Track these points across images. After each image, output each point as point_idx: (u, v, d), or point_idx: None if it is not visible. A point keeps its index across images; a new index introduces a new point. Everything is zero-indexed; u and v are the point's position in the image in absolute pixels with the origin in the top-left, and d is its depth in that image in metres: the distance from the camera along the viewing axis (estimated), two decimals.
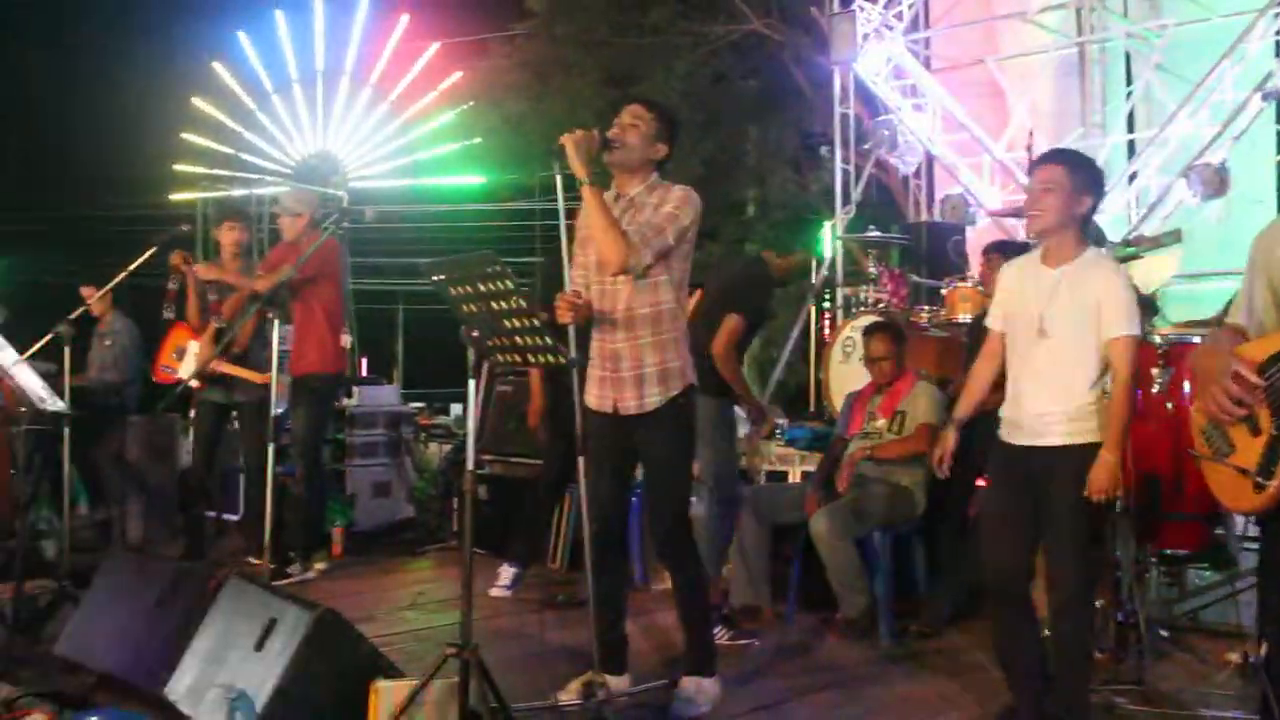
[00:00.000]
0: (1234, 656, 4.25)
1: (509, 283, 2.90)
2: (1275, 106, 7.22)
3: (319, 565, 5.96)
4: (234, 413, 6.22)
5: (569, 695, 3.68)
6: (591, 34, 11.96)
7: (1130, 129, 8.40)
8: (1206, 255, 6.82)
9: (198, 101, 18.17)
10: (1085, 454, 3.38)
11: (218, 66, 17.91)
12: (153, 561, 4.04)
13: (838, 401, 6.19)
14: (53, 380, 6.18)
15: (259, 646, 3.09)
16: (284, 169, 18.33)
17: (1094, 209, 3.51)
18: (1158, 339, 4.34)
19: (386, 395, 8.14)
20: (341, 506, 7.21)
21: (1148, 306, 4.31)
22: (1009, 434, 3.52)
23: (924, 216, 8.94)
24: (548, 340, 3.01)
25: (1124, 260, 4.48)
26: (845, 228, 8.57)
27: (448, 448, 8.15)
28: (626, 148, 3.67)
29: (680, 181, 3.79)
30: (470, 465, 3.10)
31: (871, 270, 6.82)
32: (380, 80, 17.52)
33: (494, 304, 2.95)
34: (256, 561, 5.87)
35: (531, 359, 3.09)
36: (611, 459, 3.78)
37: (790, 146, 12.12)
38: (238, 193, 18.33)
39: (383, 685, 2.91)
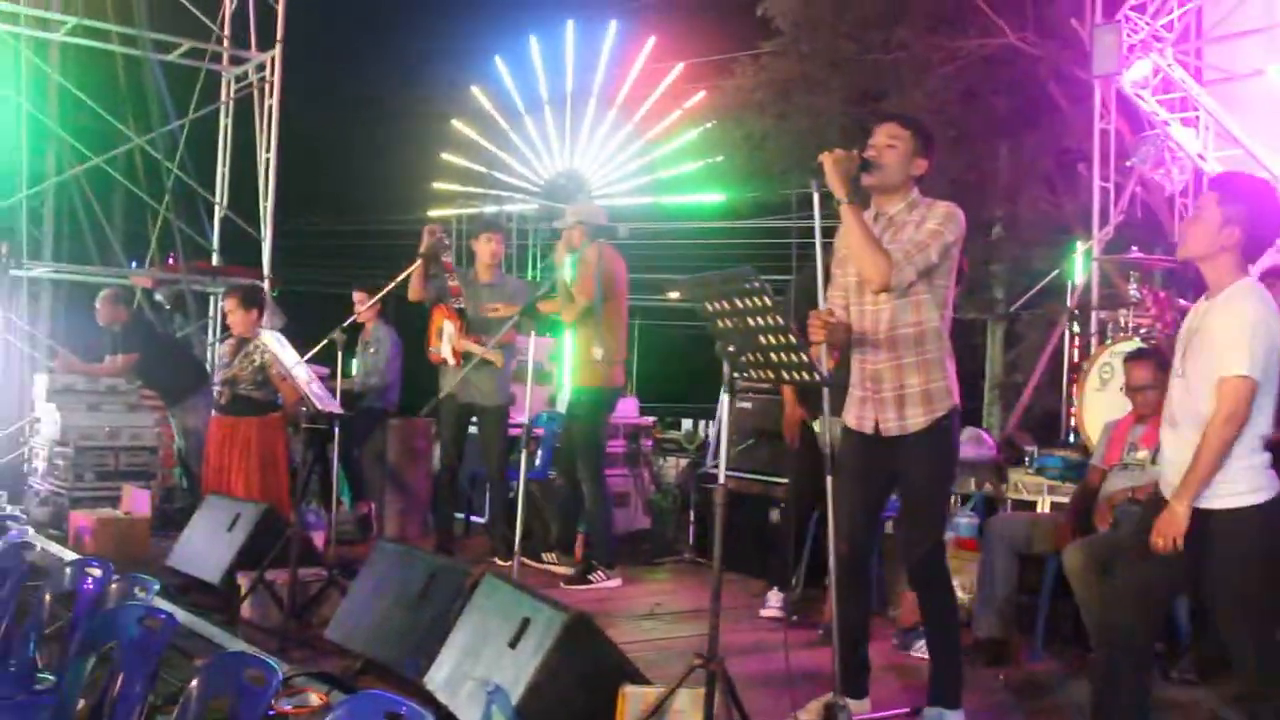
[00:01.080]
0: None
1: (767, 299, 2.91)
2: None
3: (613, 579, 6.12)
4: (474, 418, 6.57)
5: (810, 715, 3.65)
6: (838, 51, 11.86)
7: None
8: None
9: (457, 123, 19.16)
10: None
11: (476, 90, 18.83)
12: (415, 555, 4.25)
13: (1091, 429, 5.90)
14: (325, 383, 6.68)
15: (513, 644, 3.22)
16: (533, 187, 19.08)
17: (1254, 242, 3.09)
18: None
19: (626, 408, 8.32)
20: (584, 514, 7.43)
21: None
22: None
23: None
24: (804, 358, 3.00)
25: None
26: (1103, 249, 8.17)
27: (683, 461, 8.25)
28: (885, 168, 3.64)
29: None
30: (722, 478, 3.12)
31: (1133, 293, 6.47)
32: (626, 101, 18.01)
33: (750, 320, 2.98)
34: (503, 562, 6.12)
35: (785, 376, 3.09)
36: (866, 481, 3.74)
37: (1044, 164, 11.64)
38: (489, 209, 19.17)
39: (631, 690, 2.97)
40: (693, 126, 16.37)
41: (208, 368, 8.48)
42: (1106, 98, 8.59)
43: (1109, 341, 6.41)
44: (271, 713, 3.17)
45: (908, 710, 3.83)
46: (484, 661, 3.28)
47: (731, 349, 3.02)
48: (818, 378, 3.08)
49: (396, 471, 7.66)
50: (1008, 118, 11.68)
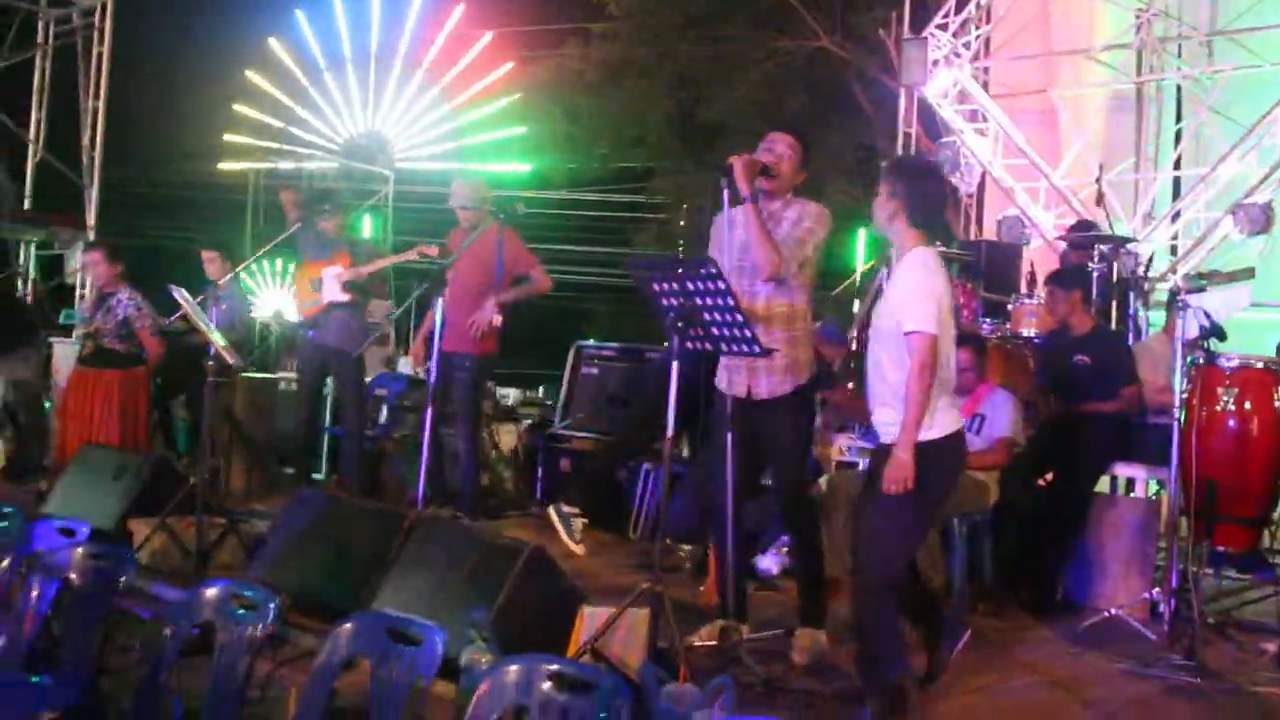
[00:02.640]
0: (1270, 646, 4.83)
1: (723, 284, 3.45)
2: None
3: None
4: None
5: (705, 638, 4.24)
6: (667, 39, 12.47)
7: (1176, 165, 8.94)
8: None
9: (251, 74, 18.69)
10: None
11: (274, 42, 18.43)
12: (343, 501, 4.57)
13: None
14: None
15: (471, 577, 3.64)
16: (332, 145, 18.87)
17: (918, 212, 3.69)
18: (1225, 363, 4.90)
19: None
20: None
21: (1218, 333, 4.86)
22: None
23: (973, 235, 9.48)
24: (748, 333, 3.56)
25: (1192, 292, 5.01)
26: None
27: (525, 424, 8.71)
28: (782, 175, 4.24)
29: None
30: (669, 439, 3.63)
31: None
32: (433, 65, 18.05)
33: (698, 300, 3.50)
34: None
35: (725, 347, 3.65)
36: (743, 439, 4.33)
37: (848, 158, 12.67)
38: (285, 165, 18.86)
39: (589, 610, 3.46)
40: (503, 95, 16.66)
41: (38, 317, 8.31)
42: (910, 105, 9.56)
43: None
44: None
45: (784, 631, 4.45)
46: (444, 592, 3.69)
47: (680, 324, 3.55)
48: (757, 349, 3.64)
49: (244, 427, 7.77)
50: (815, 114, 12.62)
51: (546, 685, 2.78)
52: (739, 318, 3.53)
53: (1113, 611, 5.12)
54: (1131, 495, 5.90)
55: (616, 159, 13.34)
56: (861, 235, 10.19)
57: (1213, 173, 8.05)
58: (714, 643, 4.21)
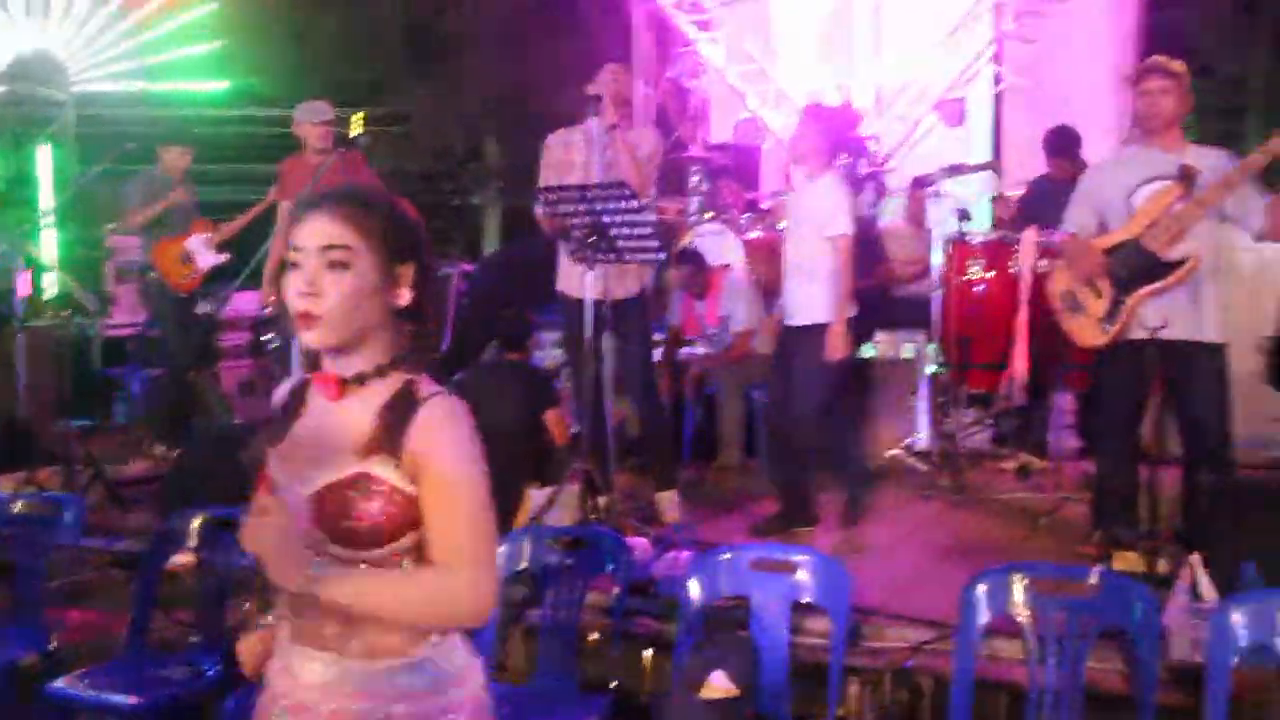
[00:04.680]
0: (1008, 465, 6.06)
1: (635, 202, 4.06)
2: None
3: None
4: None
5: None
6: None
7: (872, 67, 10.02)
8: None
9: None
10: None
11: None
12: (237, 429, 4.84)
13: None
14: None
15: None
16: None
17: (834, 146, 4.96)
18: (972, 239, 5.97)
19: (250, 302, 8.75)
20: (220, 401, 7.92)
21: (966, 216, 5.91)
22: None
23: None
24: (655, 242, 4.20)
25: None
26: None
27: None
28: (626, 103, 4.88)
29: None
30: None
31: (702, 184, 8.17)
32: None
33: (605, 218, 4.10)
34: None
35: (627, 257, 4.27)
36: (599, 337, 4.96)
37: (579, 69, 13.05)
38: None
39: (533, 490, 4.04)
40: (198, 5, 15.85)
41: None
42: (642, 15, 10.21)
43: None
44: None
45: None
46: None
47: (593, 239, 4.14)
48: (662, 254, 4.32)
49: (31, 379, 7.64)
50: (546, 25, 13.00)
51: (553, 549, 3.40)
52: (649, 230, 4.15)
53: (890, 453, 6.22)
54: (890, 357, 6.99)
55: (344, 77, 13.26)
56: None
57: (914, 73, 9.23)
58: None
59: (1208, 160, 4.12)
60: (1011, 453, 6.12)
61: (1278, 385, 5.46)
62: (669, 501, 4.96)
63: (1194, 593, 3.09)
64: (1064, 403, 6.25)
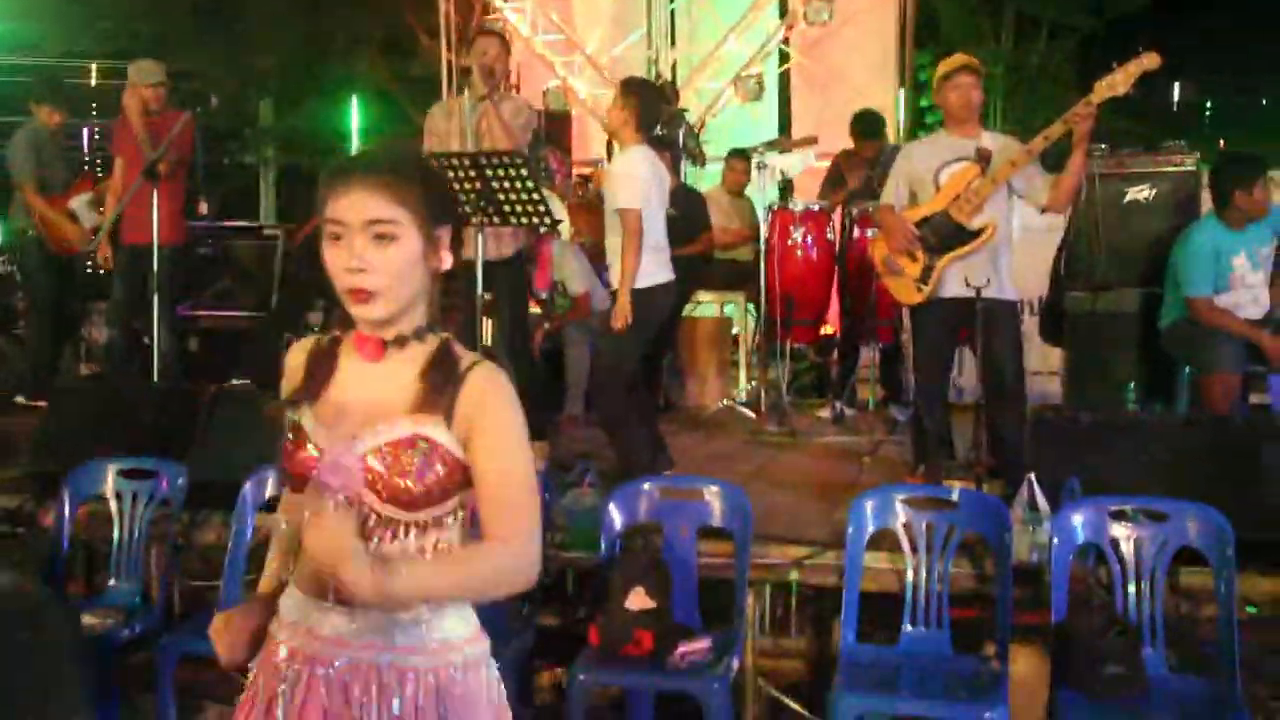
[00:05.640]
0: (825, 413, 6.73)
1: (525, 170, 4.35)
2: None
3: None
4: None
5: None
6: None
7: (673, 42, 10.52)
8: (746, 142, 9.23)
9: None
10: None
11: None
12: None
13: None
14: None
15: None
16: None
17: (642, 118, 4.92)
18: (793, 207, 6.57)
19: None
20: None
21: (789, 186, 6.50)
22: None
23: None
24: (543, 206, 4.50)
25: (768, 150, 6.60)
26: None
27: None
28: (497, 74, 5.15)
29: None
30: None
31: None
32: None
33: (494, 185, 4.37)
34: None
35: (514, 220, 4.55)
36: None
37: (383, 34, 12.97)
38: None
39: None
40: None
41: None
42: None
43: None
44: None
45: None
46: None
47: (485, 205, 4.42)
48: (549, 219, 4.61)
49: None
50: None
51: None
52: (537, 195, 4.46)
53: (724, 402, 6.78)
54: (713, 316, 7.54)
55: (126, 25, 12.64)
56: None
57: (713, 49, 9.81)
58: None
59: (999, 143, 4.80)
60: (827, 400, 6.80)
61: (1048, 339, 6.30)
62: (539, 451, 5.30)
63: (1029, 505, 3.73)
64: (870, 356, 6.97)
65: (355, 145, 15.02)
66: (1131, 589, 3.31)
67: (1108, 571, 3.40)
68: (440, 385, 1.82)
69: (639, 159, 4.80)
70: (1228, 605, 3.19)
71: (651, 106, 4.94)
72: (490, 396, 1.84)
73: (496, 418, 1.84)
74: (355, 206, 1.79)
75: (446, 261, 1.88)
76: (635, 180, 4.71)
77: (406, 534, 1.85)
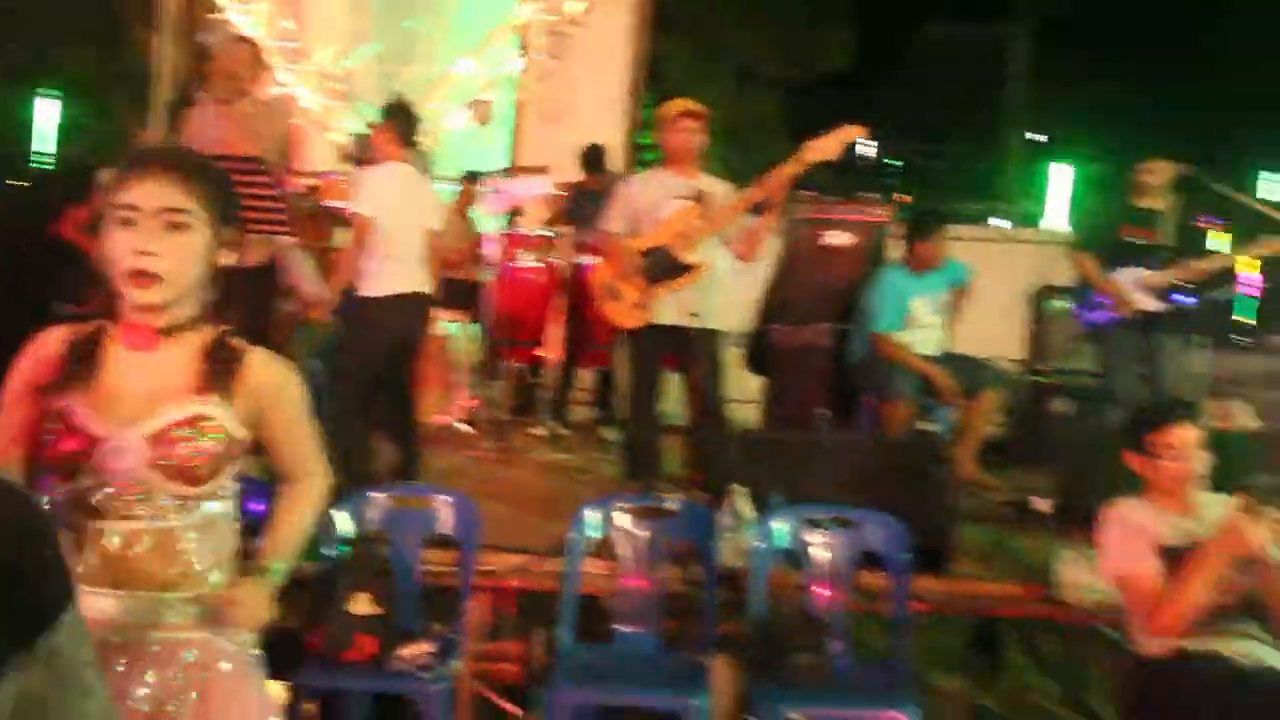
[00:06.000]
0: (540, 431, 6.94)
1: (269, 177, 4.29)
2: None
3: None
4: None
5: None
6: None
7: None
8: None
9: None
10: None
11: None
12: None
13: None
14: None
15: None
16: None
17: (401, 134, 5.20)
18: (522, 231, 6.76)
19: None
20: None
21: (517, 210, 6.69)
22: None
23: None
24: (284, 216, 4.45)
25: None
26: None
27: None
28: (232, 77, 5.10)
29: None
30: None
31: None
32: None
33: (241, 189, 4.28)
34: None
35: (254, 229, 4.48)
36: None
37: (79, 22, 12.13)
38: None
39: None
40: None
41: None
42: None
43: None
44: None
45: None
46: None
47: None
48: (289, 229, 4.56)
49: None
50: None
51: None
52: (279, 204, 4.42)
53: (439, 419, 6.85)
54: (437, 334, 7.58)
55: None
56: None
57: (444, 70, 9.91)
58: None
59: (716, 188, 5.16)
60: (542, 420, 7.00)
61: (752, 369, 6.77)
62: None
63: (735, 515, 4.05)
64: (586, 379, 7.24)
65: (47, 142, 13.96)
66: (822, 589, 3.67)
67: (803, 574, 3.75)
68: (220, 366, 1.96)
69: (389, 173, 4.98)
70: (902, 602, 3.60)
71: (412, 126, 5.13)
72: (274, 374, 2.05)
73: (285, 392, 2.07)
74: (152, 193, 1.89)
75: (227, 259, 2.01)
76: (375, 191, 4.90)
77: (190, 509, 1.95)
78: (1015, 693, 4.71)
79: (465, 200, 7.53)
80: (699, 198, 5.04)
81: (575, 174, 7.50)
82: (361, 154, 7.27)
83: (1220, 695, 3.05)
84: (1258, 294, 12.50)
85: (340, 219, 6.41)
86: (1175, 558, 3.22)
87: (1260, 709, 2.94)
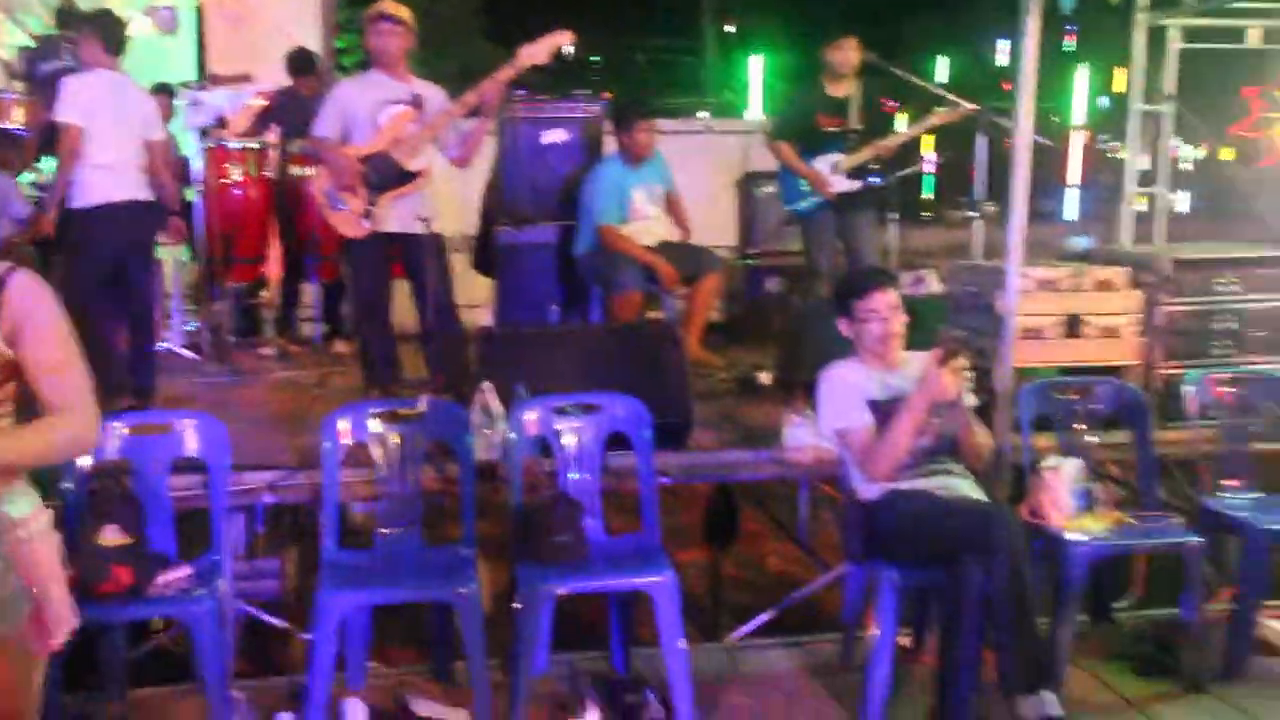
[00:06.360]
0: (268, 350, 6.77)
1: None
2: None
3: None
4: None
5: None
6: None
7: None
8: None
9: None
10: None
11: None
12: None
13: None
14: None
15: None
16: None
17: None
18: (229, 145, 6.48)
19: None
20: None
21: (221, 122, 6.40)
22: None
23: None
24: None
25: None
26: None
27: None
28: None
29: None
30: None
31: None
32: None
33: None
34: None
35: None
36: None
37: None
38: None
39: None
40: None
41: None
42: None
43: None
44: None
45: None
46: None
47: None
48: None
49: None
50: None
51: None
52: None
53: (164, 346, 6.56)
54: None
55: None
56: None
57: None
58: None
59: (430, 92, 5.14)
60: (270, 338, 6.84)
61: (480, 270, 6.83)
62: None
63: (485, 411, 4.15)
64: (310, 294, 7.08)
65: None
66: (573, 473, 3.87)
67: (553, 460, 3.93)
68: None
69: (96, 79, 4.96)
70: (649, 477, 3.85)
71: (115, 33, 5.04)
72: (32, 296, 2.10)
73: (42, 315, 2.11)
74: None
75: None
76: (82, 100, 4.85)
77: None
78: (752, 559, 5.18)
79: (162, 114, 7.12)
80: (416, 102, 5.01)
81: (276, 81, 7.19)
82: (28, 68, 6.73)
83: (927, 525, 3.50)
84: (934, 171, 13.59)
85: (14, 139, 5.95)
86: (884, 410, 3.64)
87: (958, 530, 3.39)
